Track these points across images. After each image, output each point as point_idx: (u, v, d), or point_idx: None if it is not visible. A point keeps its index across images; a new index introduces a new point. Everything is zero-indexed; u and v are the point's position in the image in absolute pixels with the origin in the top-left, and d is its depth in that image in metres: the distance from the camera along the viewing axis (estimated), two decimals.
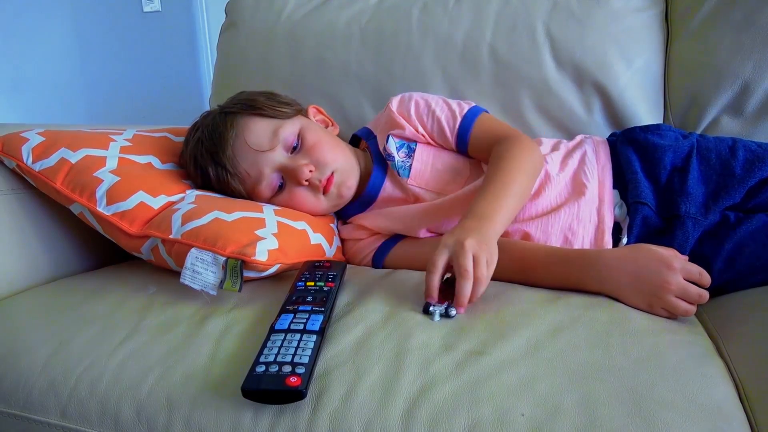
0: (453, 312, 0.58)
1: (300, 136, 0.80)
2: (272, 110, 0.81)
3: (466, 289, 0.57)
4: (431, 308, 0.58)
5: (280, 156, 0.78)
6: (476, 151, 0.82)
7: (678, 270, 0.60)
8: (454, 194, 0.79)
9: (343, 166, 0.81)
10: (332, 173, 0.79)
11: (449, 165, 0.83)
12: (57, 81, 2.62)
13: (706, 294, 0.59)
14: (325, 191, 0.79)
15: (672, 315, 0.59)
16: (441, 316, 0.57)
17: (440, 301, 0.59)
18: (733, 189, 0.73)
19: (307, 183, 0.77)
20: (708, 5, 0.94)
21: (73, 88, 2.62)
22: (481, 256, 0.59)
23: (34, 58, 2.64)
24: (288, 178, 0.78)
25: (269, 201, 0.79)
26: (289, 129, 0.80)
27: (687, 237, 0.71)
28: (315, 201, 0.80)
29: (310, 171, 0.77)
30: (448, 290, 0.60)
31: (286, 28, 1.12)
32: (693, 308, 0.59)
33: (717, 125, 0.92)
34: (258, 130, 0.79)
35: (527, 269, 0.68)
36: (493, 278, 0.68)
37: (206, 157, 0.79)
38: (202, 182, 0.81)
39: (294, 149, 0.79)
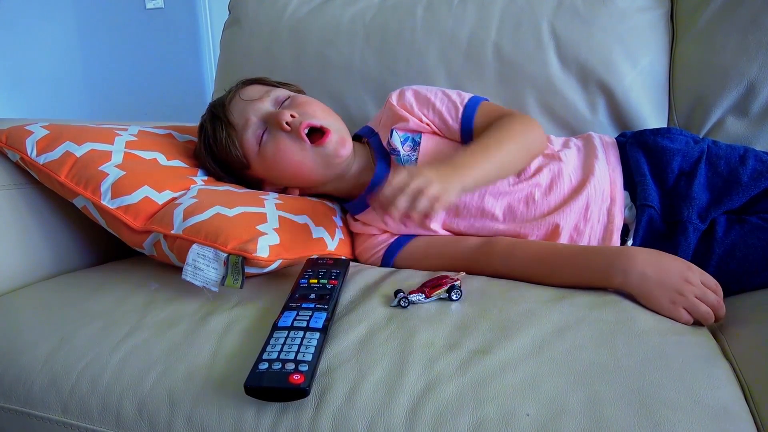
0: (410, 299, 0.60)
1: (291, 98, 0.83)
2: (273, 83, 0.88)
3: (400, 202, 0.59)
4: (398, 294, 0.60)
5: (266, 105, 0.81)
6: None
7: (698, 274, 0.61)
8: None
9: (338, 128, 0.82)
10: (328, 130, 0.79)
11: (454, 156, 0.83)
12: (59, 77, 2.62)
13: (722, 303, 0.59)
14: (320, 143, 0.78)
15: (689, 318, 0.58)
16: (398, 302, 0.60)
17: (414, 292, 0.61)
18: (736, 195, 0.72)
19: (288, 128, 0.77)
20: (714, 5, 0.93)
21: (75, 85, 2.61)
22: (431, 187, 0.60)
23: (35, 54, 2.63)
24: (270, 125, 0.79)
25: (258, 155, 0.80)
26: (283, 91, 0.84)
27: (689, 243, 0.71)
28: (301, 152, 0.79)
29: (292, 116, 0.78)
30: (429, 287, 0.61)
31: (289, 25, 1.12)
32: (712, 314, 0.59)
33: (722, 126, 0.91)
34: (254, 88, 0.85)
35: (550, 265, 0.67)
36: (517, 277, 0.68)
37: (210, 116, 0.84)
38: (208, 149, 0.83)
39: (282, 105, 0.82)
